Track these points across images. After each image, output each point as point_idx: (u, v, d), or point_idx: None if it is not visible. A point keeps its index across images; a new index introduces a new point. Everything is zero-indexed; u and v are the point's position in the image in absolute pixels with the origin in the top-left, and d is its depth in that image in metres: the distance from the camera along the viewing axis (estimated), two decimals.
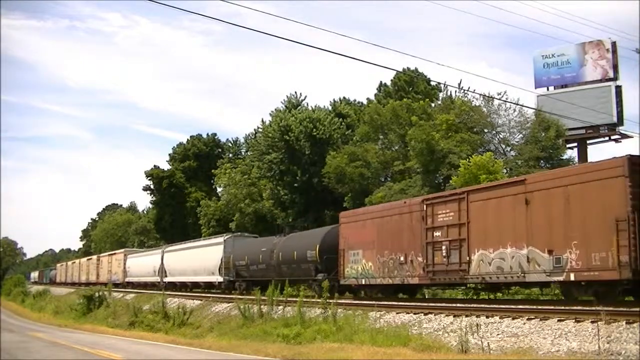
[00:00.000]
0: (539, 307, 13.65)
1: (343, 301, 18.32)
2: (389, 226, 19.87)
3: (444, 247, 17.52)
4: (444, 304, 16.37)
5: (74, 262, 72.52)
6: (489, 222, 16.29)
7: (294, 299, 18.75)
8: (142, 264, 44.49)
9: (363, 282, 20.90)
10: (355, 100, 50.26)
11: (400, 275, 19.18)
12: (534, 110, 32.47)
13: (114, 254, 54.38)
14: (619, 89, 36.94)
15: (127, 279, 47.35)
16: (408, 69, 43.07)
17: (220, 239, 32.12)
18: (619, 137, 37.68)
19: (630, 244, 12.68)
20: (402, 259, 19.03)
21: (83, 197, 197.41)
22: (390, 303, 17.56)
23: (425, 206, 18.46)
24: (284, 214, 43.47)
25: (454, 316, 13.93)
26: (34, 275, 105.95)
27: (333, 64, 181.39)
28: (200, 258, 33.81)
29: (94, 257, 62.04)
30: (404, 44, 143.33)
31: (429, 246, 18.06)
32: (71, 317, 34.46)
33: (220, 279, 30.62)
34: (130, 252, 51.40)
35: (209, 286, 33.54)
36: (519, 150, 31.19)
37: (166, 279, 38.84)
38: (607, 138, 38.22)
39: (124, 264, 48.71)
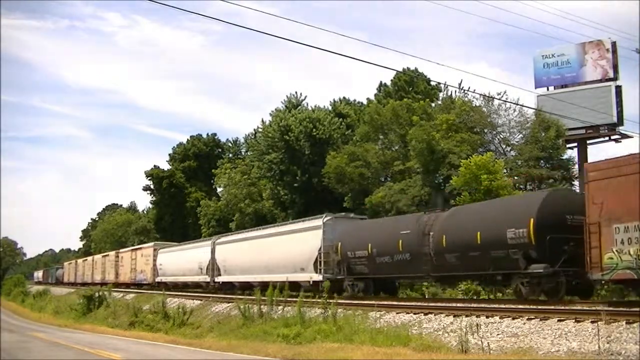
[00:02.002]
0: (539, 307, 13.64)
1: (343, 301, 18.27)
2: None
3: None
4: (444, 304, 16.37)
5: (86, 260, 65.27)
6: None
7: (294, 299, 18.72)
8: (182, 260, 36.69)
9: None
10: (355, 100, 50.33)
11: None
12: (534, 110, 32.48)
13: (139, 248, 46.42)
14: (619, 89, 36.94)
15: (158, 279, 39.69)
16: (408, 69, 43.08)
17: (317, 222, 23.51)
18: (619, 137, 37.67)
19: None
20: None
21: (83, 197, 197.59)
22: (390, 303, 17.58)
23: None
24: (284, 214, 43.46)
25: (454, 316, 13.92)
26: (38, 274, 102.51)
27: (333, 64, 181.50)
28: (280, 250, 25.42)
29: (112, 253, 53.94)
30: (404, 44, 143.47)
31: None
32: (71, 317, 34.46)
33: (317, 277, 22.08)
34: (162, 245, 43.08)
35: (293, 287, 23.27)
36: (519, 150, 31.19)
37: (220, 279, 31.09)
38: (607, 138, 38.20)
39: (154, 260, 41.02)
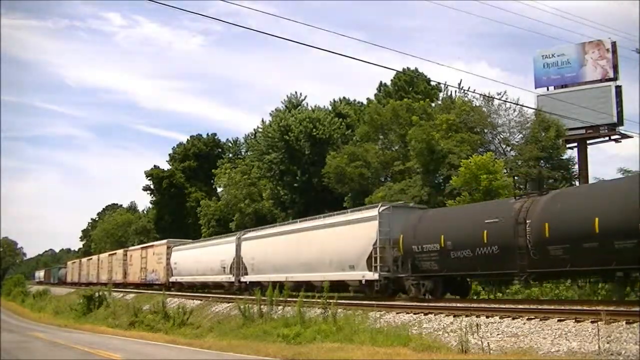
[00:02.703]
0: (539, 307, 13.64)
1: (343, 301, 18.22)
2: None
3: None
4: (444, 304, 16.33)
5: (90, 259, 62.23)
6: None
7: (294, 299, 18.71)
8: (201, 258, 33.25)
9: None
10: (355, 100, 50.37)
11: None
12: (534, 110, 32.49)
13: (151, 246, 43.11)
14: (619, 89, 36.93)
15: (172, 279, 36.86)
16: (408, 69, 43.11)
17: (371, 212, 20.47)
18: (619, 137, 37.67)
19: None
20: None
21: (83, 197, 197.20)
22: (390, 303, 17.56)
23: None
24: (284, 214, 43.47)
25: (454, 316, 13.92)
26: (40, 274, 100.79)
27: (333, 64, 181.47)
28: (323, 246, 22.28)
29: (120, 251, 50.71)
30: (404, 44, 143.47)
31: None
32: (71, 317, 34.47)
33: (372, 276, 19.22)
34: (176, 242, 39.45)
35: (338, 287, 20.82)
36: (519, 150, 31.21)
37: (247, 279, 27.56)
38: (607, 138, 38.19)
39: (167, 258, 37.72)
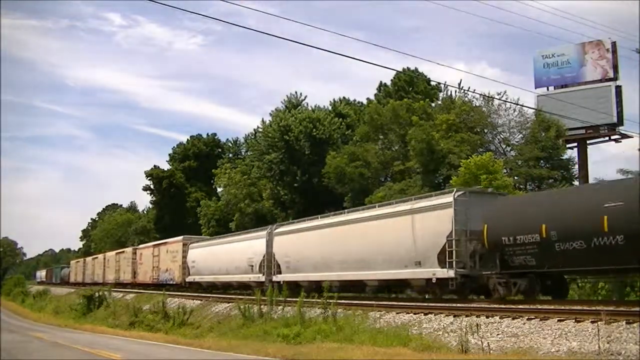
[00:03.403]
0: (539, 307, 13.62)
1: (343, 301, 18.17)
2: None
3: None
4: (444, 304, 16.26)
5: (96, 258, 58.82)
6: None
7: (294, 299, 18.71)
8: (223, 256, 29.91)
9: None
10: (355, 100, 50.42)
11: None
12: (534, 110, 32.52)
13: (164, 243, 39.77)
14: (619, 89, 36.97)
15: (190, 278, 33.74)
16: (408, 69, 43.14)
17: (445, 198, 17.41)
18: (619, 137, 37.72)
19: None
20: None
21: (83, 197, 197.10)
22: (390, 303, 17.54)
23: None
24: (284, 214, 43.49)
25: (454, 316, 13.92)
26: (41, 274, 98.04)
27: (333, 64, 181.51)
28: (380, 239, 19.33)
29: (128, 249, 48.03)
30: (404, 44, 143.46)
31: None
32: (71, 317, 34.43)
33: (446, 273, 16.45)
34: (192, 239, 36.19)
35: (395, 286, 19.39)
36: (519, 150, 31.23)
37: (280, 278, 24.36)
38: (607, 138, 38.26)
39: (183, 256, 34.68)
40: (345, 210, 24.88)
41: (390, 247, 18.76)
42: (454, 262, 16.15)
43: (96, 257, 59.35)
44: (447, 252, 16.37)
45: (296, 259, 23.99)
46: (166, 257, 37.69)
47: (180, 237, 37.03)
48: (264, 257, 25.88)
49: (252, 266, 26.61)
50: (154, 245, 41.43)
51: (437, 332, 13.27)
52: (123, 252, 49.00)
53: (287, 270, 24.42)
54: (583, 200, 14.71)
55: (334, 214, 24.71)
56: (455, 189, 17.85)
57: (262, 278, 25.53)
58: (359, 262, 20.00)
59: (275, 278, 24.75)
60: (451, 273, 16.20)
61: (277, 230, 26.10)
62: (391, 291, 20.34)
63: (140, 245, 47.30)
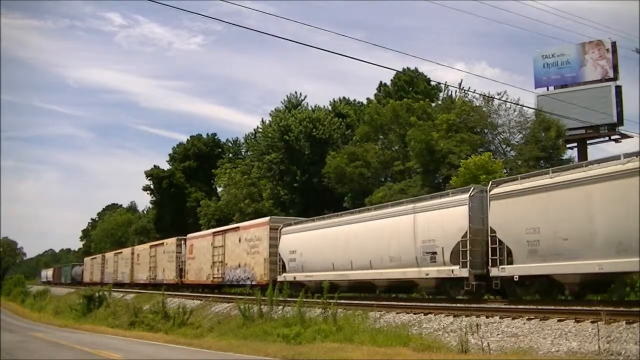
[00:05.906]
0: (539, 307, 13.63)
1: (343, 301, 18.19)
2: None
3: None
4: (444, 304, 16.27)
5: (120, 253, 49.22)
6: None
7: (294, 299, 18.70)
8: (357, 241, 20.18)
9: None
10: (355, 100, 50.40)
11: None
12: (534, 110, 32.51)
13: (235, 229, 28.73)
14: (619, 89, 36.95)
15: (287, 277, 23.21)
16: (408, 69, 43.15)
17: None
18: (619, 137, 37.71)
19: None
20: None
21: (83, 197, 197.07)
22: (390, 303, 17.54)
23: None
24: (284, 214, 43.50)
25: (454, 316, 13.92)
26: (47, 273, 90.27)
27: (333, 64, 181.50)
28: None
29: (170, 240, 36.71)
30: (404, 44, 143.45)
31: None
32: (71, 317, 34.42)
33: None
34: (286, 220, 25.92)
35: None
36: (519, 150, 31.23)
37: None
38: (607, 138, 38.24)
39: (271, 245, 24.62)
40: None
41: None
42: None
43: (120, 252, 49.76)
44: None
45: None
46: (239, 247, 27.25)
47: (266, 219, 26.71)
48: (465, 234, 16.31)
49: (433, 254, 17.26)
50: (214, 234, 30.30)
51: (437, 332, 13.28)
52: (162, 244, 38.20)
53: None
54: None
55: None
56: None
57: (462, 271, 16.22)
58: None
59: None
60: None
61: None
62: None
63: (190, 235, 34.96)
